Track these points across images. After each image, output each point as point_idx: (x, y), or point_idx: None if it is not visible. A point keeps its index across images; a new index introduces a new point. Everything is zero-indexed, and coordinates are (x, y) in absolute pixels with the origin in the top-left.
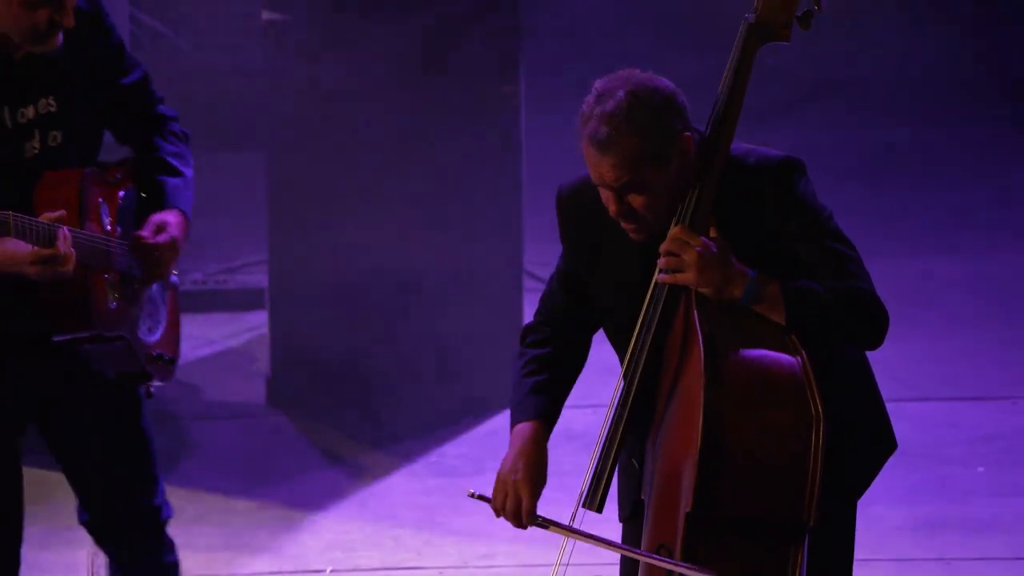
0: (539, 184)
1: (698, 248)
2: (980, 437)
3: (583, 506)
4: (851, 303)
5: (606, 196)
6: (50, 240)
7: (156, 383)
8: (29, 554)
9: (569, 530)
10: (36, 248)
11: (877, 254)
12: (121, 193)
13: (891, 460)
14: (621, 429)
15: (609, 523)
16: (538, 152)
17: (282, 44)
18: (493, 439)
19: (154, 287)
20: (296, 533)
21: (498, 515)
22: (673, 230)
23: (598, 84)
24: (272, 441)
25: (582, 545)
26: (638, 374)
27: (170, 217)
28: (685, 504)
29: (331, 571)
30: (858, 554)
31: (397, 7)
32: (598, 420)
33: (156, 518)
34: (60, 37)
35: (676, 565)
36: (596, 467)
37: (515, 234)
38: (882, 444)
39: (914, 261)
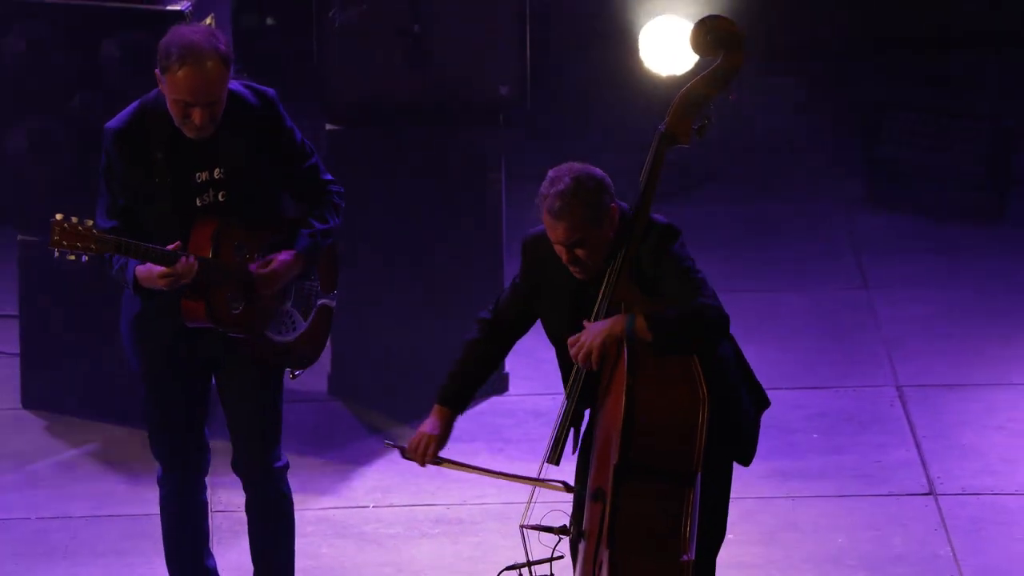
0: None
1: (584, 341)
2: (815, 414)
3: (547, 461)
4: (694, 314)
5: (559, 250)
6: (173, 261)
7: (298, 371)
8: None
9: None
10: (163, 268)
11: (743, 290)
12: (269, 239)
13: None
14: (571, 410)
15: (563, 472)
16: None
17: None
18: (480, 417)
19: (288, 303)
20: (348, 480)
21: (407, 456)
22: (569, 342)
23: (551, 172)
24: (331, 419)
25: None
26: (580, 383)
27: (280, 256)
28: (614, 459)
29: (373, 506)
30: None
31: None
32: (556, 403)
33: (274, 463)
34: (210, 129)
35: (535, 481)
36: (555, 435)
37: (497, 263)
38: (758, 403)
39: (770, 295)
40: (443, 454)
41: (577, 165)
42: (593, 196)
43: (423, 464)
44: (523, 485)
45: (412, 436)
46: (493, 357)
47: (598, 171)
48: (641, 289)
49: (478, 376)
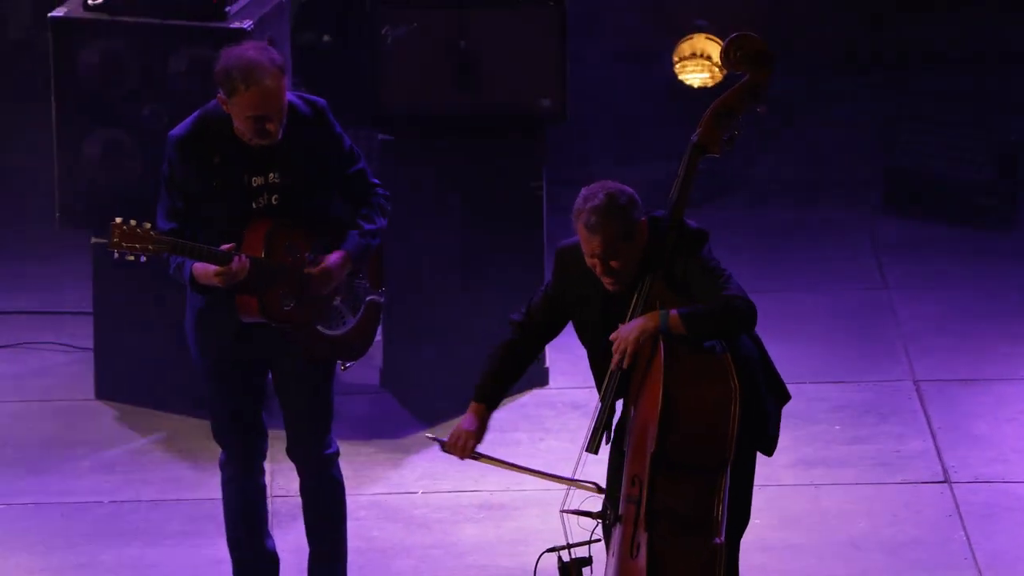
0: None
1: (623, 335)
2: (836, 407)
3: (586, 450)
4: (724, 307)
5: (593, 262)
6: (227, 261)
7: (348, 363)
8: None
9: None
10: (217, 267)
11: (770, 290)
12: (319, 240)
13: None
14: (609, 404)
15: (601, 462)
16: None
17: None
18: (523, 408)
19: (337, 300)
20: (399, 468)
21: (447, 450)
22: (612, 337)
23: (584, 190)
24: (382, 410)
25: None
26: (615, 382)
27: (332, 256)
28: (651, 448)
29: (422, 492)
30: (757, 482)
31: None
32: (594, 395)
33: (325, 450)
34: (280, 134)
35: (560, 479)
36: (593, 426)
37: (538, 265)
38: (779, 397)
39: (795, 295)
40: (481, 448)
41: (610, 183)
42: (626, 211)
43: (462, 458)
44: (579, 472)
45: (452, 431)
46: (525, 357)
47: (628, 188)
48: (674, 291)
49: (511, 375)
